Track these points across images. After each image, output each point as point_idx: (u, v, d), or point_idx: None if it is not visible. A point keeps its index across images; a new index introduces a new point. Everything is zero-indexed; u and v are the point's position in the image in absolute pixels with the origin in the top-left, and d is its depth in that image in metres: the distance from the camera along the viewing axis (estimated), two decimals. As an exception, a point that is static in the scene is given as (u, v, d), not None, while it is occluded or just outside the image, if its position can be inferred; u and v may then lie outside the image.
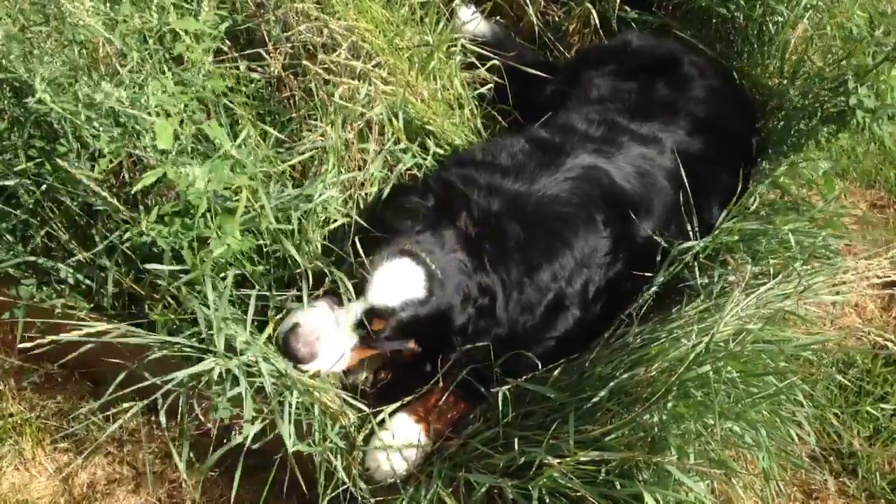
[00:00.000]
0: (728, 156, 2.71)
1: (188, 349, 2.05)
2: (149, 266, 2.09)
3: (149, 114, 2.02)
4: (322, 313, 2.17)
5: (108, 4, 2.17)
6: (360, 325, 2.17)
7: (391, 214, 2.32)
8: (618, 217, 2.43)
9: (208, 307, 1.98)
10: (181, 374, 1.98)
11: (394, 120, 2.44)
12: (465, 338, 2.24)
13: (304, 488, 2.12)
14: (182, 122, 2.08)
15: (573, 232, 2.37)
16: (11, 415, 2.51)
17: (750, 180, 2.67)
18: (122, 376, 2.03)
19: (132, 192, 2.06)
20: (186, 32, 2.19)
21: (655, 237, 2.33)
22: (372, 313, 2.15)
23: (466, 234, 2.28)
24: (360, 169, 2.40)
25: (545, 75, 2.93)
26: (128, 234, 2.11)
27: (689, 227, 2.32)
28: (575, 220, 2.39)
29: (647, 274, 2.30)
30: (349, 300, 2.15)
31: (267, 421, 2.03)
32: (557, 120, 2.74)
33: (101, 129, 2.07)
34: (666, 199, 2.51)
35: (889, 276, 2.22)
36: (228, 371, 1.97)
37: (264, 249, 2.21)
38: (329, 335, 2.15)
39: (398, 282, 2.15)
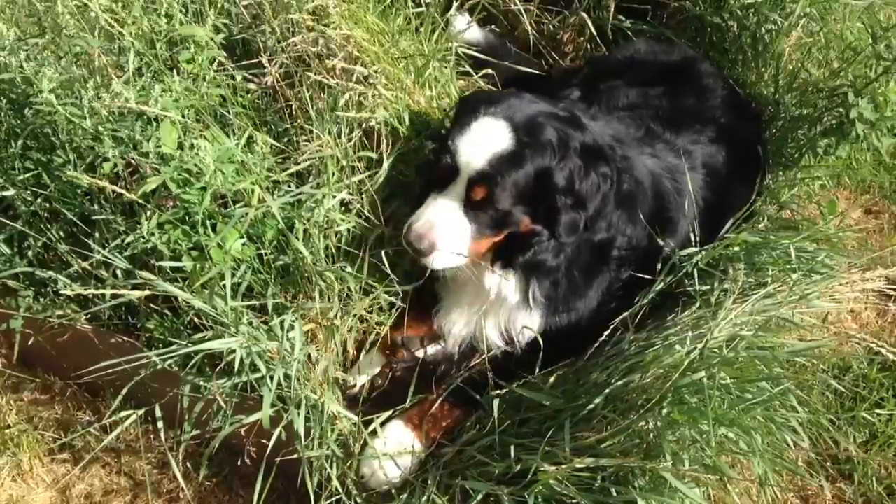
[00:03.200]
0: (745, 168, 2.70)
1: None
2: (164, 264, 2.08)
3: (155, 118, 2.05)
4: (430, 204, 2.15)
5: (119, 4, 2.20)
6: (468, 205, 2.12)
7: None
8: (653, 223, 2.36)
9: (224, 300, 2.00)
10: (204, 346, 1.99)
11: (398, 124, 2.44)
12: (575, 199, 2.14)
13: (299, 497, 2.12)
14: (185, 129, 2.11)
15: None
16: (9, 426, 2.51)
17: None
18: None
19: (137, 194, 2.06)
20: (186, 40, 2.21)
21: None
22: (470, 184, 2.10)
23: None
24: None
25: (546, 83, 2.93)
26: (129, 240, 2.12)
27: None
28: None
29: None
30: (450, 182, 2.12)
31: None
32: None
33: (104, 132, 2.08)
34: (688, 225, 2.45)
35: (883, 290, 2.22)
36: (248, 354, 2.00)
37: (265, 257, 2.22)
38: (441, 221, 2.12)
39: (481, 139, 2.09)
